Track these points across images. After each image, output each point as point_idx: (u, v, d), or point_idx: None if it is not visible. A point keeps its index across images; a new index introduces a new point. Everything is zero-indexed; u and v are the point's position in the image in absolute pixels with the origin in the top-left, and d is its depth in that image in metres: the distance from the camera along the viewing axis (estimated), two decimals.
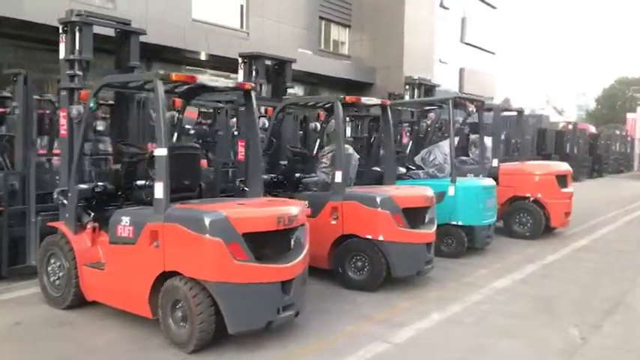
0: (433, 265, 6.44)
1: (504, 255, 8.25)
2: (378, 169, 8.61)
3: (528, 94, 69.69)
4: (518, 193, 9.69)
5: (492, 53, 40.12)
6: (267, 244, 4.48)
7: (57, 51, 5.62)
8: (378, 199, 5.95)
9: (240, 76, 7.28)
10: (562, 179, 9.78)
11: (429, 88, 11.61)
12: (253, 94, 5.14)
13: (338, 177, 6.17)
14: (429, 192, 6.53)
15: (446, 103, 7.99)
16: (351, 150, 6.88)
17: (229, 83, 5.66)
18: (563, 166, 10.30)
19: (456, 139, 10.91)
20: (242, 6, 25.28)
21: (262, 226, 4.36)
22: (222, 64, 24.21)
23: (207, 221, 4.12)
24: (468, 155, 10.66)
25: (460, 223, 7.80)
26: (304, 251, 4.70)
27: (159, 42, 19.81)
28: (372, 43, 30.84)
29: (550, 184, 9.58)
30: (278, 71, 7.97)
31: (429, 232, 6.29)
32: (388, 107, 6.88)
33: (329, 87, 30.65)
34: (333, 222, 6.18)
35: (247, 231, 4.21)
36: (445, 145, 8.36)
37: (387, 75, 29.96)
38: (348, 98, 6.35)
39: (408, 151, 10.39)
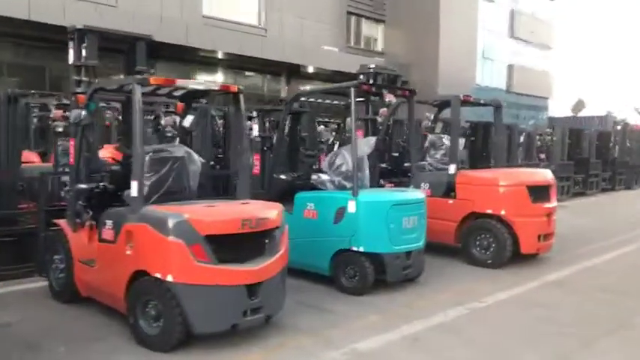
0: (267, 313, 4.56)
1: (431, 291, 6.18)
2: (283, 177, 6.82)
3: (609, 96, 64.34)
4: (477, 209, 7.53)
5: (548, 48, 36.66)
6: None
7: None
8: (170, 223, 4.17)
9: (70, 56, 5.70)
10: (538, 192, 7.52)
11: (392, 79, 9.58)
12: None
13: (133, 189, 4.47)
14: (268, 211, 4.70)
15: (348, 89, 6.02)
16: (182, 151, 5.11)
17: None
18: (541, 175, 7.98)
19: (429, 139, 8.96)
20: (259, 1, 23.88)
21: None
22: (238, 62, 22.98)
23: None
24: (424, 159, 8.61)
25: (362, 250, 5.86)
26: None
27: (164, 40, 18.82)
28: (407, 38, 28.66)
29: (518, 198, 7.36)
30: (128, 51, 6.33)
31: (253, 268, 4.41)
32: (240, 94, 5.07)
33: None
34: (129, 252, 4.48)
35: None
36: (359, 146, 6.40)
37: (421, 72, 27.69)
38: (153, 79, 4.62)
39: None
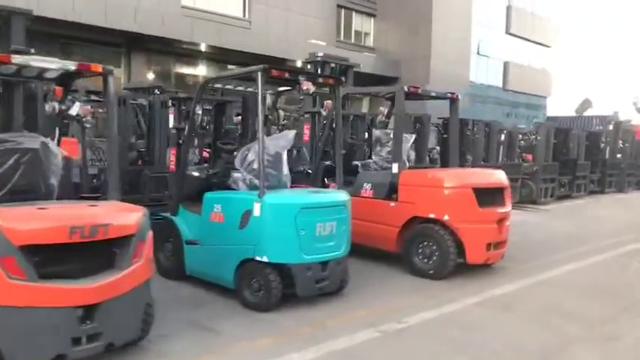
0: (109, 340, 3.71)
1: (349, 307, 5.33)
2: (196, 174, 6.06)
3: (617, 96, 62.76)
4: (420, 213, 6.74)
5: (547, 46, 35.68)
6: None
7: None
8: None
9: None
10: (488, 195, 6.70)
11: (345, 68, 8.79)
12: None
13: None
14: (117, 215, 3.91)
15: (255, 74, 5.21)
16: (35, 143, 4.33)
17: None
18: (492, 177, 7.16)
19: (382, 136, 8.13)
20: None
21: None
22: (220, 55, 22.17)
23: None
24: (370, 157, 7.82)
25: (266, 260, 5.08)
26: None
27: (140, 30, 18.09)
28: (398, 33, 27.80)
29: (463, 202, 6.55)
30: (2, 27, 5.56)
31: (87, 285, 3.62)
32: (108, 76, 4.30)
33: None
34: None
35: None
36: (273, 141, 5.62)
37: (413, 68, 26.88)
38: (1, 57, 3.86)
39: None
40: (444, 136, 12.27)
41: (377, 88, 8.00)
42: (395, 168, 6.98)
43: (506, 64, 32.04)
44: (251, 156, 5.50)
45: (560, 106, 40.98)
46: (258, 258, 5.08)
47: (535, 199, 14.79)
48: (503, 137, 14.47)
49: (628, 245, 9.07)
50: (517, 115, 32.71)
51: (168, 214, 6.11)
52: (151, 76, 20.19)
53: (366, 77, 27.77)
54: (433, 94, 7.52)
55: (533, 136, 15.89)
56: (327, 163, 8.02)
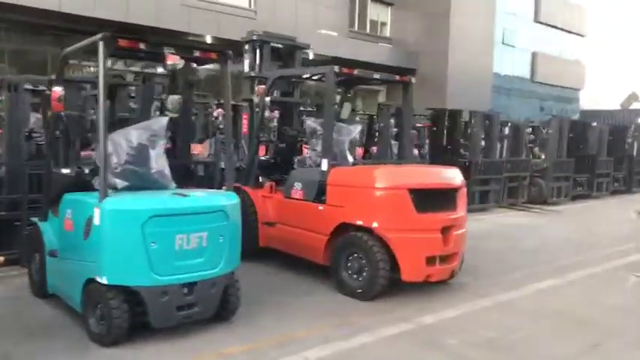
0: None
1: (221, 341, 4.19)
2: (65, 171, 5.00)
3: None
4: (348, 219, 5.51)
5: (580, 35, 33.39)
6: None
7: None
8: None
9: None
10: (430, 198, 5.40)
11: (289, 48, 7.59)
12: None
13: None
14: None
15: (95, 44, 4.06)
16: None
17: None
18: (438, 176, 5.82)
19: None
20: None
21: None
22: (227, 48, 21.17)
23: None
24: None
25: (105, 282, 3.98)
26: None
27: (131, 21, 17.27)
28: (417, 23, 26.28)
29: (396, 206, 5.28)
30: None
31: None
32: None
33: None
34: None
35: None
36: (137, 130, 4.49)
37: (431, 59, 25.38)
38: None
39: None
40: (433, 129, 10.96)
41: (308, 69, 6.77)
42: (324, 164, 5.77)
43: (534, 55, 30.03)
44: (111, 149, 4.40)
45: (601, 100, 38.37)
46: (98, 279, 3.99)
47: (545, 198, 13.25)
48: (507, 131, 12.96)
49: (631, 255, 7.59)
50: (546, 108, 30.68)
51: (37, 219, 5.10)
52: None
53: (382, 70, 26.38)
54: (376, 76, 6.24)
55: (545, 130, 14.29)
56: (264, 157, 6.90)
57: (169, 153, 6.64)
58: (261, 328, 4.51)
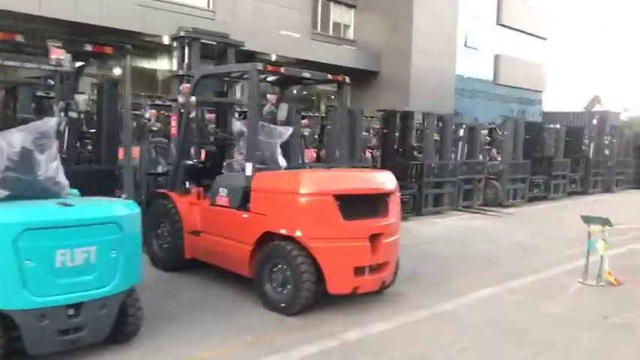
0: None
1: None
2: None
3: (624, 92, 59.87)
4: (271, 227, 5.10)
5: (542, 38, 33.69)
6: None
7: None
8: None
9: None
10: (358, 204, 5.03)
11: (224, 47, 7.15)
12: None
13: None
14: None
15: None
16: None
17: None
18: (367, 180, 5.42)
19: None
20: None
21: None
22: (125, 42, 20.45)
23: None
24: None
25: None
26: None
27: (82, 20, 16.58)
28: (380, 25, 26.08)
29: (321, 212, 4.89)
30: None
31: None
32: None
33: None
34: None
35: None
36: (19, 133, 4.01)
37: (394, 62, 25.19)
38: None
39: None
40: (384, 130, 10.64)
41: (231, 66, 6.36)
42: (248, 169, 5.35)
43: (497, 57, 30.13)
44: None
45: (565, 102, 38.87)
46: None
47: (501, 201, 13.06)
48: (462, 132, 12.73)
49: (578, 260, 7.34)
50: (511, 111, 30.82)
51: None
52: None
53: (345, 72, 26.05)
54: (307, 75, 5.84)
55: (501, 132, 14.13)
56: (190, 162, 6.44)
57: (92, 158, 6.13)
58: (161, 350, 4.06)
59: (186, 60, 6.68)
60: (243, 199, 5.37)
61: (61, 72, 3.97)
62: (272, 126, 6.02)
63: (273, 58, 23.27)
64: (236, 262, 5.43)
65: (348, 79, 6.00)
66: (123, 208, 4.01)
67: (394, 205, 5.35)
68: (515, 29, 30.98)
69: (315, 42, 24.69)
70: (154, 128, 8.90)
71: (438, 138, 11.85)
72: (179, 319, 4.68)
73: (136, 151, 8.70)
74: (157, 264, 6.35)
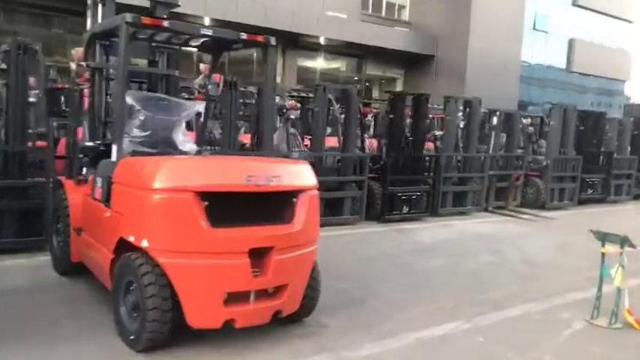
0: None
1: None
2: None
3: None
4: (124, 232, 3.81)
5: (627, 21, 30.13)
6: None
7: None
8: None
9: None
10: (240, 205, 3.63)
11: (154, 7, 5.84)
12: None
13: None
14: None
15: None
16: None
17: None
18: (255, 171, 3.89)
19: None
20: None
21: None
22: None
23: None
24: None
25: None
26: None
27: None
28: (437, 6, 24.13)
29: (177, 216, 3.52)
30: None
31: None
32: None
33: (377, 60, 24.72)
34: None
35: None
36: None
37: (451, 45, 23.25)
38: None
39: None
40: (391, 116, 9.08)
41: (104, 22, 5.02)
42: (114, 154, 4.09)
43: (571, 42, 27.12)
44: None
45: None
46: None
47: (543, 202, 11.10)
48: (495, 121, 10.85)
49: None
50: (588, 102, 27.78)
51: None
52: None
53: (398, 55, 24.22)
54: (207, 32, 4.42)
55: (547, 121, 12.07)
56: (89, 144, 5.26)
57: None
58: None
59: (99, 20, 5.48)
60: (108, 192, 4.12)
61: None
62: (173, 99, 4.72)
63: (322, 41, 22.03)
64: (101, 272, 4.23)
65: (274, 41, 4.57)
66: None
67: (304, 207, 3.90)
68: (594, 10, 27.75)
69: (364, 23, 23.15)
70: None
71: (462, 126, 10.09)
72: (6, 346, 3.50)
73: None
74: (54, 266, 5.30)
